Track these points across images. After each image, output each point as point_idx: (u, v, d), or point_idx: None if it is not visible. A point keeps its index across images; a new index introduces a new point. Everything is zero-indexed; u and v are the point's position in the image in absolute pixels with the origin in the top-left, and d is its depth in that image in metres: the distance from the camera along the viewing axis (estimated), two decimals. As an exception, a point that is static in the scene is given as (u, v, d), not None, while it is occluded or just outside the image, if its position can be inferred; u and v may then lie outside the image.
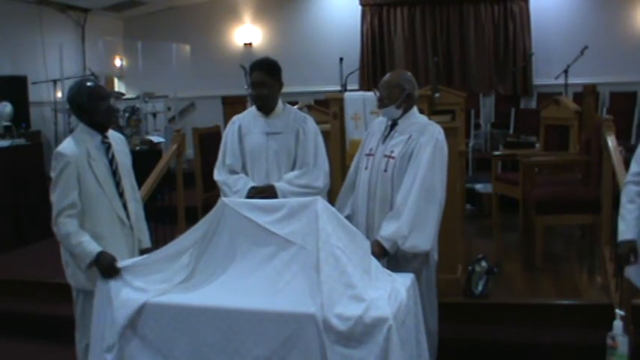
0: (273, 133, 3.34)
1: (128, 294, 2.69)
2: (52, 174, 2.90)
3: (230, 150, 3.39)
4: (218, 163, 3.41)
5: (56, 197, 2.87)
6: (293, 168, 3.33)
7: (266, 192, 3.21)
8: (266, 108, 3.35)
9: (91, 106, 2.95)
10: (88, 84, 3.04)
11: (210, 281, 2.71)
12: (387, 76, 3.19)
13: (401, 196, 2.97)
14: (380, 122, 3.24)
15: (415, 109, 3.16)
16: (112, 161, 3.03)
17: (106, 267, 2.78)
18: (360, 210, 3.16)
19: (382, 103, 3.13)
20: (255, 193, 3.22)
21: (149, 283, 2.72)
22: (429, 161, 2.97)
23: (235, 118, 3.49)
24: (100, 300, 2.75)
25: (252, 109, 3.44)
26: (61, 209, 2.85)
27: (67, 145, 2.93)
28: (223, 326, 2.52)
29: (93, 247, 2.83)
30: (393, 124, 3.13)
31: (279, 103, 3.39)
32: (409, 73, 3.19)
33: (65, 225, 2.85)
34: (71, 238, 2.85)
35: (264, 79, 3.28)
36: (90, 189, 2.92)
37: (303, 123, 3.37)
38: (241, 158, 3.37)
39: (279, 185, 3.25)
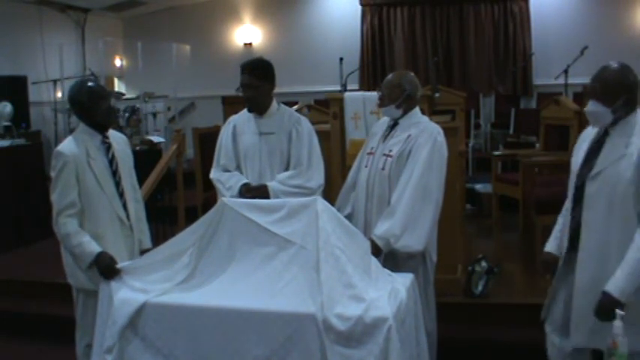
0: (266, 133, 3.34)
1: (128, 294, 2.69)
2: (52, 173, 2.91)
3: (224, 150, 3.40)
4: (214, 163, 3.43)
5: (56, 197, 2.88)
6: (287, 168, 3.33)
7: (259, 191, 3.22)
8: (257, 109, 3.36)
9: (92, 105, 2.96)
10: (89, 84, 3.04)
11: (211, 281, 2.71)
12: (390, 75, 3.20)
13: (396, 195, 2.97)
14: (383, 122, 3.25)
15: (417, 109, 3.15)
16: (112, 161, 3.03)
17: (106, 268, 2.78)
18: (359, 208, 3.16)
19: (382, 102, 3.14)
20: (247, 191, 3.23)
21: (149, 284, 2.72)
22: (426, 161, 2.96)
23: (231, 118, 3.51)
24: (102, 301, 2.75)
25: (247, 110, 3.44)
26: (61, 209, 2.85)
27: (66, 145, 2.94)
28: (223, 326, 2.52)
29: (93, 248, 2.83)
30: (395, 124, 3.14)
31: (274, 104, 3.39)
32: (412, 74, 3.18)
33: (65, 225, 2.85)
34: (71, 239, 2.85)
35: (251, 81, 3.28)
36: (89, 189, 2.92)
37: (296, 124, 3.37)
38: (236, 158, 3.38)
39: (272, 185, 3.25)
